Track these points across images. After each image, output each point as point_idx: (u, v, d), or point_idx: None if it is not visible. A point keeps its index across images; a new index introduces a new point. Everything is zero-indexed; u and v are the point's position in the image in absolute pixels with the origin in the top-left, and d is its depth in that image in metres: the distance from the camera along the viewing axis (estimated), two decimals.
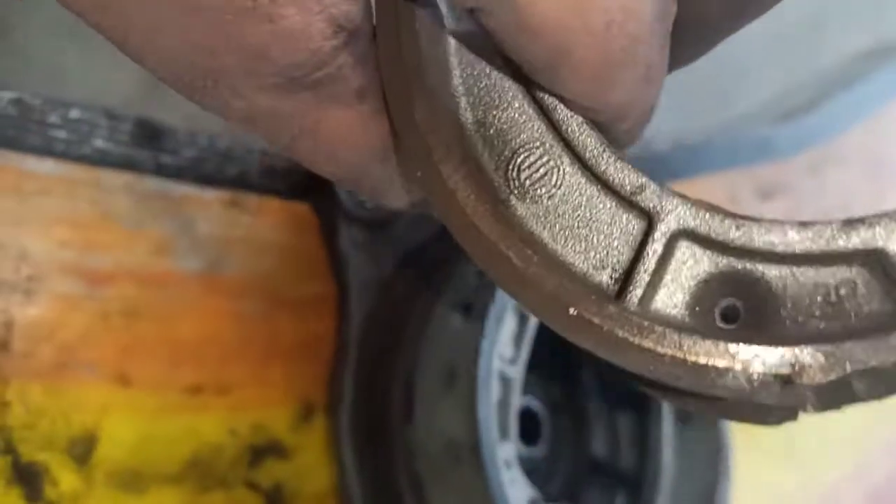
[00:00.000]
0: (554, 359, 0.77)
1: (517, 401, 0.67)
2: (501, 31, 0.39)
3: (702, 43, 0.45)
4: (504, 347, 0.66)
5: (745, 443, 0.82)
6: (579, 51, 0.39)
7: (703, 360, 0.39)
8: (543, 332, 0.70)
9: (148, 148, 0.64)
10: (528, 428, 0.76)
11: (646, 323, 0.40)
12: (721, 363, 0.39)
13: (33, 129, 0.60)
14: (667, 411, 0.78)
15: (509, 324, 0.66)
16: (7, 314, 0.58)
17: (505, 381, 0.66)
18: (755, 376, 0.39)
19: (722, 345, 0.39)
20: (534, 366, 0.70)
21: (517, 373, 0.66)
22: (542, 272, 0.41)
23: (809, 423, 0.95)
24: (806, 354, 0.38)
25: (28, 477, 0.58)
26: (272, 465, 0.67)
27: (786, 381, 0.38)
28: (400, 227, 0.72)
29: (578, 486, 0.79)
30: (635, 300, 0.41)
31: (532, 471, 0.74)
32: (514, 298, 0.43)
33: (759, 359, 0.38)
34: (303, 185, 0.70)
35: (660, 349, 0.39)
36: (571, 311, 0.40)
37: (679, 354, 0.39)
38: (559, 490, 0.78)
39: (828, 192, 1.06)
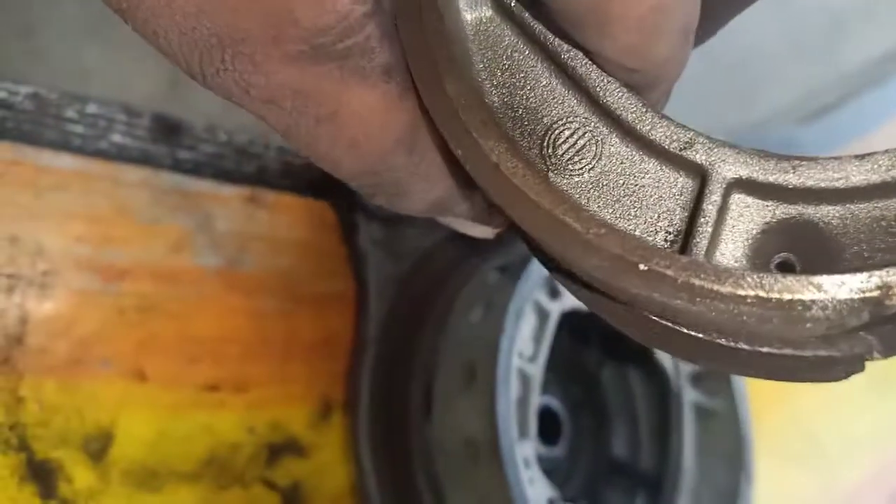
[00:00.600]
0: (574, 358, 0.77)
1: (537, 399, 0.66)
2: None
3: (713, 18, 0.44)
4: (524, 344, 0.65)
5: (767, 446, 0.81)
6: (618, 6, 0.38)
7: (787, 296, 0.38)
8: (563, 331, 0.69)
9: (165, 143, 0.64)
10: (549, 427, 0.76)
11: (721, 268, 0.38)
12: (807, 295, 0.38)
13: (50, 123, 0.60)
14: (688, 411, 0.77)
15: (529, 320, 0.66)
16: (22, 309, 0.58)
17: (524, 379, 0.65)
18: (844, 303, 0.37)
19: (804, 278, 0.38)
20: (554, 365, 0.69)
21: (537, 370, 0.66)
22: (605, 232, 0.40)
23: (832, 426, 0.94)
24: (892, 274, 0.37)
25: (42, 474, 0.58)
26: (290, 463, 0.66)
27: (876, 303, 0.37)
28: (419, 224, 0.72)
29: (598, 487, 0.79)
30: (701, 254, 0.40)
31: (552, 470, 0.73)
32: (578, 264, 0.41)
33: (845, 285, 0.37)
34: (321, 183, 0.69)
35: (741, 292, 0.38)
36: (642, 266, 0.39)
37: (763, 293, 0.38)
38: (579, 490, 0.77)
39: None
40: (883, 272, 0.37)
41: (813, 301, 0.38)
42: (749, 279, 0.38)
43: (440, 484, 0.65)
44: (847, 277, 0.38)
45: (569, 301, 0.67)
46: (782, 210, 0.40)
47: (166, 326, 0.63)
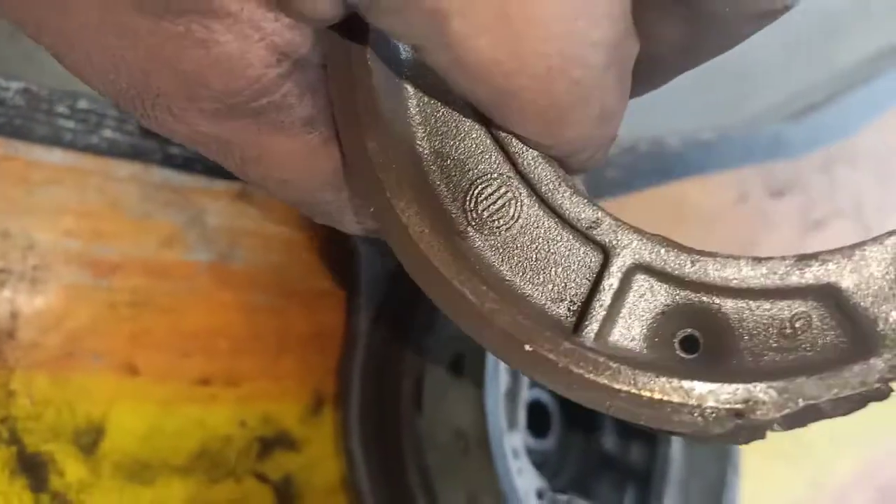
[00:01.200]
0: None
1: (526, 392, 0.66)
2: (443, 69, 0.38)
3: (653, 80, 0.44)
4: None
5: (756, 443, 0.82)
6: (523, 93, 0.37)
7: (658, 396, 0.39)
8: None
9: (156, 138, 0.64)
10: (539, 420, 0.76)
11: (601, 359, 0.39)
12: (676, 399, 0.39)
13: (41, 119, 0.60)
14: None
15: None
16: (13, 304, 0.58)
17: (513, 372, 0.65)
18: (709, 412, 0.39)
19: (676, 381, 0.39)
20: None
21: None
22: (498, 308, 0.41)
23: (819, 423, 0.95)
24: (759, 391, 0.38)
25: (33, 468, 0.58)
26: (281, 457, 0.66)
27: (739, 415, 0.39)
28: None
29: (588, 479, 0.79)
30: (592, 334, 0.40)
31: (542, 463, 0.74)
32: (470, 335, 0.42)
33: (713, 395, 0.39)
34: None
35: (615, 385, 0.39)
36: (527, 347, 0.40)
37: (634, 391, 0.39)
38: (569, 482, 0.77)
39: (839, 190, 1.05)
40: (751, 386, 0.39)
41: (682, 405, 0.39)
42: (624, 374, 0.39)
43: (430, 476, 0.65)
44: (717, 387, 0.39)
45: None
46: (683, 295, 0.41)
47: (158, 321, 0.63)
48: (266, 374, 0.67)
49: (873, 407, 0.39)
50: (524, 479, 0.63)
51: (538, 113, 0.38)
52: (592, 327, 0.40)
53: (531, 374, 0.41)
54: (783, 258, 0.39)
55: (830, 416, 0.39)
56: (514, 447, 0.63)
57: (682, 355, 0.41)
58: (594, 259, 0.42)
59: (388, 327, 0.69)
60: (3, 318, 0.58)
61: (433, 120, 0.43)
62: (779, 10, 0.39)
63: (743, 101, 1.34)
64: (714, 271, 0.39)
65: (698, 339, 0.41)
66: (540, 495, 0.65)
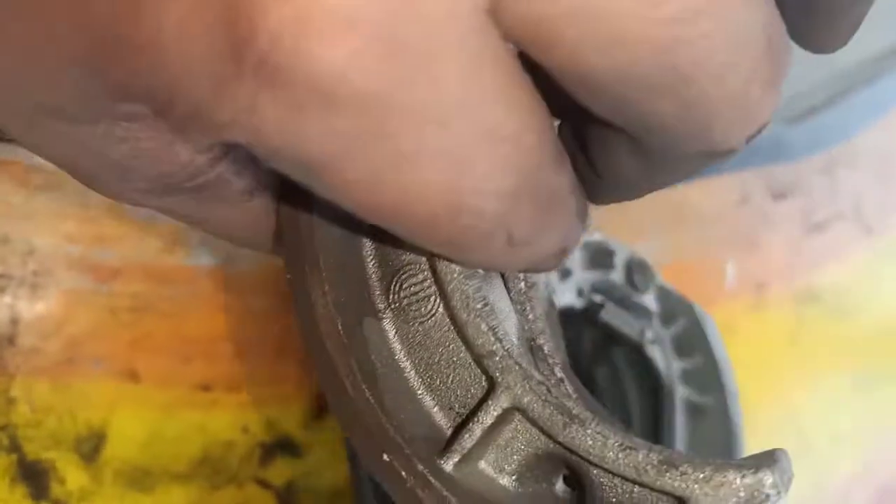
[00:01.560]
0: (569, 358, 0.77)
1: None
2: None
3: (620, 196, 0.42)
4: None
5: (757, 442, 0.81)
6: (414, 233, 0.35)
7: None
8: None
9: None
10: None
11: (444, 492, 0.40)
12: None
13: None
14: (679, 408, 0.77)
15: None
16: (13, 309, 0.58)
17: None
18: None
19: None
20: None
21: None
22: (371, 408, 0.41)
23: (820, 423, 0.95)
24: None
25: (34, 475, 0.58)
26: (284, 462, 0.66)
27: None
28: None
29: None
30: (452, 462, 0.40)
31: None
32: (341, 427, 0.43)
33: None
34: None
35: None
36: (385, 457, 0.41)
37: None
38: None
39: (840, 193, 1.05)
40: None
41: None
42: None
43: None
44: None
45: (562, 299, 0.67)
46: (556, 448, 0.40)
47: (159, 326, 0.62)
48: (268, 379, 0.66)
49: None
50: None
51: (437, 243, 0.36)
52: (456, 455, 0.40)
53: (386, 486, 0.41)
54: (650, 452, 0.39)
55: None
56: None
57: (562, 492, 0.42)
58: (482, 385, 0.42)
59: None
60: (3, 324, 0.58)
61: None
62: (723, 153, 0.37)
63: None
64: (582, 442, 0.39)
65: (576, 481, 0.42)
66: None
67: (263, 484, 0.65)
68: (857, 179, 1.07)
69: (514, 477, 0.41)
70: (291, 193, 0.44)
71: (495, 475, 0.41)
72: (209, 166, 0.38)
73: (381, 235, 0.43)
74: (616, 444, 0.39)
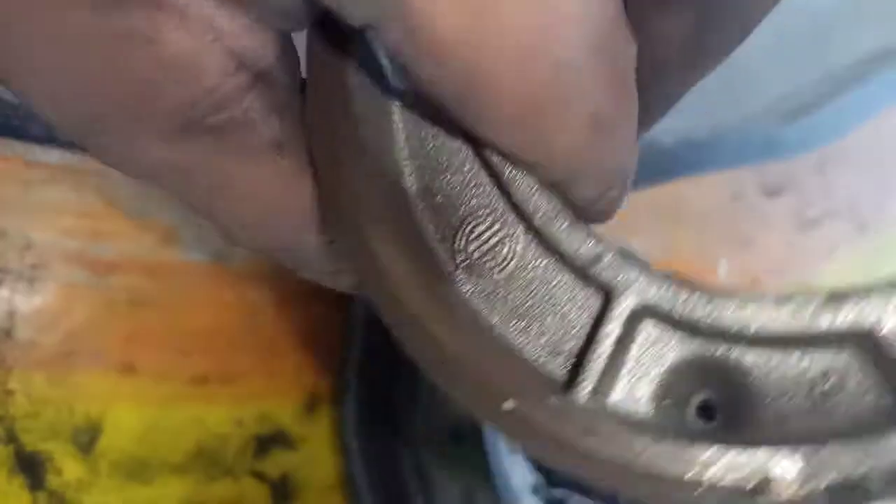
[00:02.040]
0: None
1: None
2: (401, 54, 0.32)
3: (657, 100, 0.39)
4: None
5: None
6: (495, 80, 0.32)
7: (654, 471, 0.34)
8: None
9: None
10: None
11: (594, 422, 0.34)
12: (672, 473, 0.34)
13: (39, 118, 0.60)
14: None
15: None
16: (10, 303, 0.58)
17: None
18: (723, 489, 0.33)
19: (683, 451, 0.33)
20: None
21: None
22: (476, 357, 0.36)
23: None
24: (782, 464, 0.33)
25: (31, 466, 0.58)
26: (278, 455, 0.66)
27: (757, 493, 0.33)
28: None
29: None
30: (586, 391, 0.35)
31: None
32: (443, 388, 0.37)
33: (726, 469, 0.33)
34: None
35: (604, 454, 0.34)
36: (507, 404, 0.35)
37: (626, 459, 0.34)
38: (564, 478, 0.77)
39: (834, 191, 1.05)
40: (774, 458, 0.33)
41: (688, 481, 0.33)
42: (619, 439, 0.34)
43: (427, 473, 0.65)
44: (731, 459, 0.33)
45: None
46: (696, 347, 0.35)
47: (155, 319, 0.63)
48: (262, 372, 0.67)
49: None
50: (519, 475, 0.63)
51: (516, 106, 0.33)
52: (588, 383, 0.35)
53: (511, 436, 0.36)
54: (812, 294, 0.33)
55: (877, 499, 0.32)
56: (510, 444, 0.63)
57: (698, 423, 0.36)
58: (594, 303, 0.36)
59: (385, 325, 0.69)
60: (0, 318, 0.58)
61: (423, 154, 0.38)
62: None
63: (736, 102, 1.34)
64: (731, 312, 0.34)
65: (715, 408, 0.35)
66: (535, 491, 0.65)
67: (258, 476, 0.66)
68: (850, 177, 1.07)
69: (651, 405, 0.35)
70: (334, 153, 0.39)
71: (630, 406, 0.35)
72: (236, 97, 0.36)
73: (440, 187, 0.38)
74: (770, 300, 0.33)
